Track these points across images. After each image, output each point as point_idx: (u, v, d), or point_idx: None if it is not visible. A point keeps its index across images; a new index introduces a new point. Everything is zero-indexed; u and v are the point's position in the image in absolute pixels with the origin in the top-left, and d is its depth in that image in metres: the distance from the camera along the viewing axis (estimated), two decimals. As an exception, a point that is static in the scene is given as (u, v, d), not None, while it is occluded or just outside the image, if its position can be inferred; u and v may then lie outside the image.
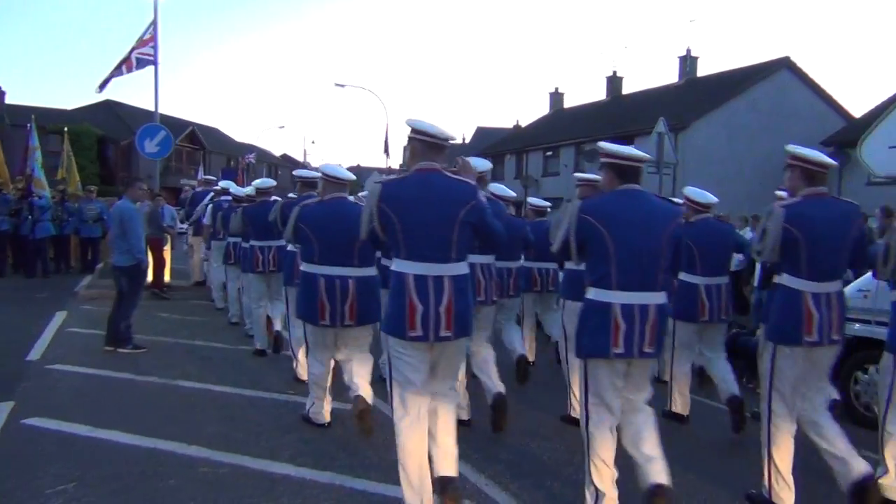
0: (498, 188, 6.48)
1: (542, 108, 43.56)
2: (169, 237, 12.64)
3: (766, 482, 4.09)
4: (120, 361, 7.24)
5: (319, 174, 5.46)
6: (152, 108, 13.04)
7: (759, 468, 4.20)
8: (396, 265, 3.67)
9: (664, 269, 3.69)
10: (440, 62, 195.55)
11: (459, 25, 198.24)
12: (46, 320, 9.48)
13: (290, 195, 7.21)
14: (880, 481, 4.12)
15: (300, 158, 77.69)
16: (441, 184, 3.65)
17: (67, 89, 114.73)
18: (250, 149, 60.14)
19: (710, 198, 5.92)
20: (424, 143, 3.72)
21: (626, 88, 36.86)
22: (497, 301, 5.66)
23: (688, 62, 32.71)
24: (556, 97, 41.24)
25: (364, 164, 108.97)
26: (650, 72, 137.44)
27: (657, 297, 3.65)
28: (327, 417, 5.37)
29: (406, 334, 3.60)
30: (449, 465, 3.69)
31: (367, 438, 4.90)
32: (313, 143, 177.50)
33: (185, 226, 13.82)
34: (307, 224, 5.04)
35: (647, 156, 3.90)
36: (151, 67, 13.02)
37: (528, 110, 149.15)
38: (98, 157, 46.52)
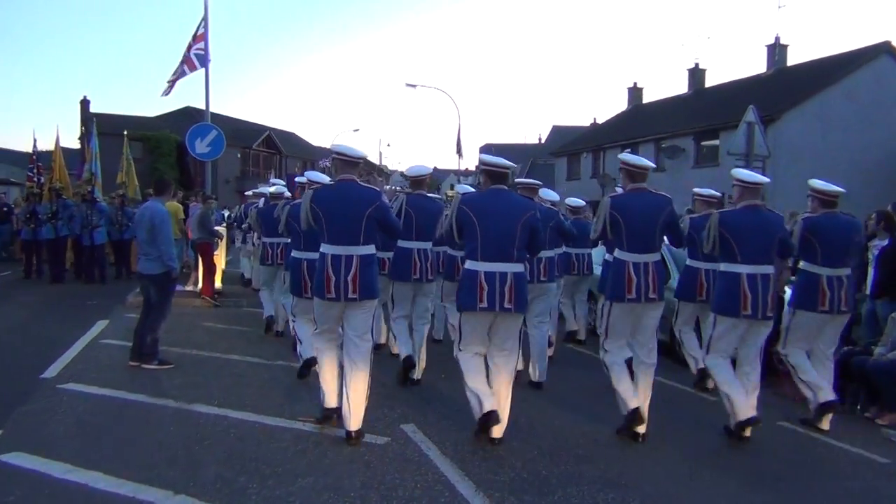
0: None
1: (620, 105, 41.97)
2: (219, 241, 12.04)
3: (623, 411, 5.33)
4: (140, 380, 6.56)
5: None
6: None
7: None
8: (322, 248, 4.99)
9: (519, 248, 4.92)
10: (513, 60, 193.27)
11: (533, 22, 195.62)
12: (84, 329, 8.98)
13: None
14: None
15: (377, 161, 77.81)
16: (354, 190, 4.98)
17: (151, 98, 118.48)
18: (326, 153, 60.28)
19: (553, 196, 7.55)
20: (343, 160, 5.06)
21: (710, 81, 34.94)
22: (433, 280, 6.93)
23: (777, 51, 30.59)
24: (635, 92, 39.51)
25: (440, 166, 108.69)
26: (735, 63, 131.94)
27: (514, 267, 4.90)
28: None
29: (324, 296, 4.95)
30: (357, 401, 4.96)
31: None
32: (388, 146, 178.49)
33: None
34: (294, 218, 6.06)
35: (513, 164, 5.21)
36: (210, 69, 12.45)
37: (606, 107, 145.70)
38: (177, 163, 47.29)
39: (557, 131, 60.46)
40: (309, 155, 64.60)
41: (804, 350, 5.94)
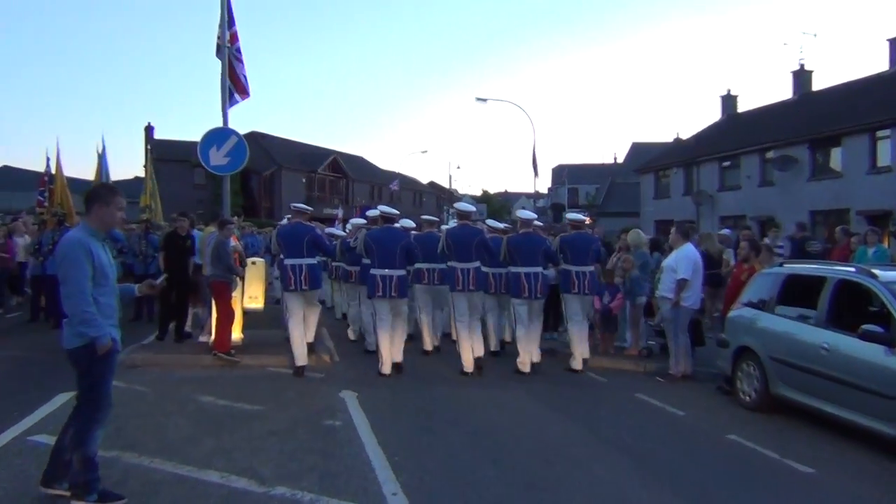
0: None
1: (707, 118, 38.09)
2: (238, 279, 9.27)
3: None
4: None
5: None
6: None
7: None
8: (284, 261, 8.84)
9: (400, 260, 8.65)
10: (587, 75, 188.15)
11: (607, 34, 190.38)
12: (29, 410, 6.35)
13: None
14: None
15: (447, 185, 75.26)
16: (300, 227, 9.01)
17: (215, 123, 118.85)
18: (394, 176, 57.93)
19: (499, 225, 10.71)
20: (296, 210, 9.29)
21: (817, 84, 31.03)
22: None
23: (900, 45, 26.60)
24: (729, 101, 35.77)
25: (511, 189, 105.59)
26: (840, 63, 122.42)
27: (398, 272, 8.65)
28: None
29: (289, 288, 8.77)
30: (310, 335, 9.10)
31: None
32: (458, 168, 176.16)
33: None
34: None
35: (397, 212, 9.52)
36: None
37: (690, 121, 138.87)
38: (242, 189, 45.56)
39: (637, 149, 56.69)
40: (376, 179, 62.45)
41: (583, 320, 9.50)
